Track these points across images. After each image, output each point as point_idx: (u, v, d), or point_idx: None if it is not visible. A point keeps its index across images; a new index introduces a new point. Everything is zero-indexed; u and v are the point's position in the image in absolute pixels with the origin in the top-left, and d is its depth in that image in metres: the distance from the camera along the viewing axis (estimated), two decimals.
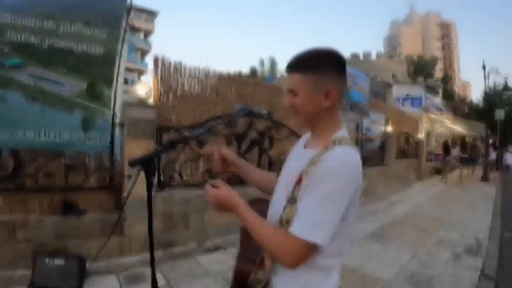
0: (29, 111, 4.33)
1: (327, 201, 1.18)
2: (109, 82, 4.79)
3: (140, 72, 41.15)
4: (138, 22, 41.36)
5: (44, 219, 4.22)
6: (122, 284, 4.00)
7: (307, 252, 1.21)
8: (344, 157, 1.25)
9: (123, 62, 4.98)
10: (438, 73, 73.23)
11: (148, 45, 46.48)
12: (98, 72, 4.73)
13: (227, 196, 1.36)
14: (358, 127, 10.45)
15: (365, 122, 10.93)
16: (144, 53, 45.58)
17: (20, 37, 4.27)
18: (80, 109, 4.59)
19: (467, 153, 18.17)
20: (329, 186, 1.19)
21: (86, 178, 4.67)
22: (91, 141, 4.62)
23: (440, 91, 29.68)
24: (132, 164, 1.24)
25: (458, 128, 25.31)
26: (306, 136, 1.56)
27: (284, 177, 1.46)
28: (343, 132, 1.38)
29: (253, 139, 6.41)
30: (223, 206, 1.37)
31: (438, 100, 28.34)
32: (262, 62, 48.09)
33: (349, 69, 10.06)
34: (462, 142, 22.85)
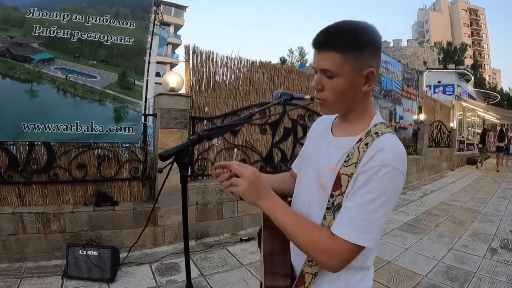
0: (60, 104, 4.35)
1: (380, 201, 1.04)
2: (140, 72, 4.76)
3: (172, 66, 41.21)
4: (168, 16, 41.61)
5: (77, 210, 4.24)
6: (155, 274, 3.99)
7: (355, 256, 1.08)
8: (395, 148, 1.08)
9: (154, 52, 4.95)
10: (468, 60, 70.96)
11: (178, 38, 46.69)
12: (128, 63, 4.71)
13: (259, 178, 1.15)
14: (391, 115, 10.19)
15: (398, 110, 10.63)
16: (174, 46, 45.93)
17: (49, 31, 4.29)
18: (111, 100, 4.58)
19: (504, 141, 17.42)
20: (382, 183, 1.04)
21: (119, 169, 4.67)
22: (123, 132, 4.62)
23: (472, 78, 28.74)
24: (163, 157, 1.06)
25: (491, 116, 24.46)
26: (327, 119, 1.40)
27: (309, 170, 1.30)
28: (378, 117, 1.23)
29: (286, 127, 6.34)
30: (253, 192, 1.14)
31: (470, 87, 27.41)
32: (291, 52, 47.81)
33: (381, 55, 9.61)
34: (500, 130, 22.04)
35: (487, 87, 49.45)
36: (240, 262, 4.39)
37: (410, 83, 11.46)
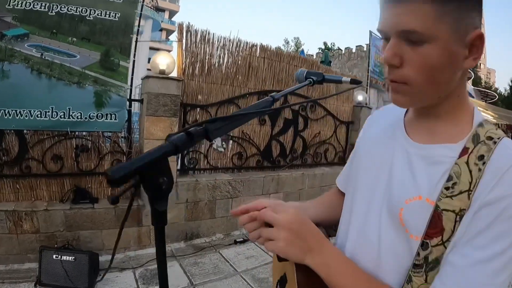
0: (34, 86, 3.83)
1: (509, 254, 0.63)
2: (125, 52, 4.24)
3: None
4: (162, 2, 40.85)
5: (52, 208, 3.78)
6: (138, 282, 3.53)
7: None
8: None
9: (147, 36, 4.42)
10: None
11: (173, 25, 45.79)
12: (113, 41, 4.18)
13: (303, 223, 0.81)
14: None
15: None
16: (169, 33, 45.15)
17: (25, 4, 3.76)
18: (92, 83, 4.05)
19: None
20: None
21: (99, 161, 4.16)
22: (104, 120, 4.10)
23: (473, 76, 28.71)
24: (113, 180, 0.53)
25: (489, 115, 24.22)
26: (390, 112, 0.97)
27: (372, 195, 0.87)
28: (478, 111, 0.80)
29: (287, 118, 5.87)
30: (297, 246, 0.77)
31: (469, 85, 27.13)
32: (286, 42, 47.41)
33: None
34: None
35: (483, 86, 49.82)
36: (235, 268, 3.92)
37: None
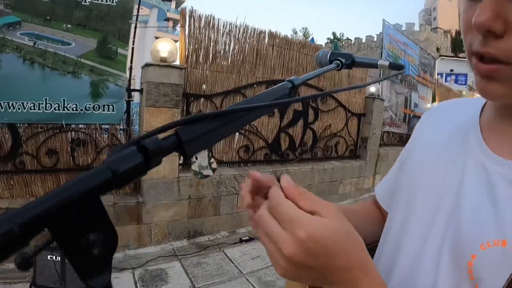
0: (27, 77, 3.61)
1: None
2: (124, 39, 3.99)
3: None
4: None
5: None
6: (138, 284, 3.32)
7: None
8: None
9: (152, 24, 4.17)
10: None
11: (179, 14, 45.56)
12: (110, 27, 3.93)
13: (333, 256, 0.44)
14: (406, 102, 9.36)
15: (414, 97, 9.80)
16: (176, 23, 44.92)
17: None
18: (88, 72, 3.81)
19: None
20: None
21: (97, 155, 3.95)
22: (101, 111, 3.88)
23: None
24: None
25: None
26: (453, 110, 0.74)
27: (429, 226, 0.61)
28: None
29: (297, 110, 5.59)
30: (306, 278, 0.47)
31: None
32: (295, 32, 47.12)
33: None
34: None
35: None
36: (240, 270, 3.69)
37: (426, 69, 10.68)
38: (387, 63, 0.79)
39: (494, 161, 0.55)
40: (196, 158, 0.42)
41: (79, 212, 0.33)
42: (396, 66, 0.79)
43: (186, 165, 4.44)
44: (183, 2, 46.65)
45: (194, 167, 0.43)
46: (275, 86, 0.54)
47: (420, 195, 0.65)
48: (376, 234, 0.81)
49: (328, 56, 0.78)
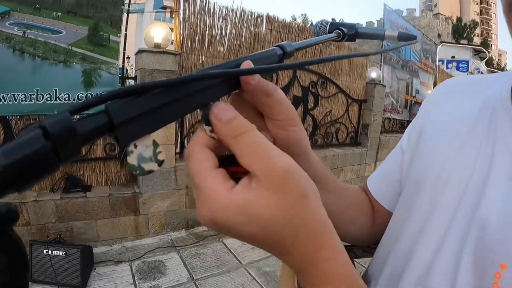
0: (17, 68, 3.48)
1: None
2: (116, 25, 3.86)
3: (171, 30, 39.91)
4: None
5: (42, 198, 3.49)
6: (135, 276, 3.26)
7: None
8: None
9: (148, 8, 4.10)
10: (476, 38, 70.67)
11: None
12: (102, 13, 3.79)
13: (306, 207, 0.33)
14: (408, 88, 9.23)
15: (415, 83, 9.66)
16: (173, 11, 44.75)
17: None
18: (80, 60, 3.69)
19: None
20: None
21: (91, 146, 3.85)
22: None
23: (487, 56, 28.28)
24: None
25: None
26: (475, 84, 0.63)
27: (443, 226, 0.51)
28: None
29: (296, 96, 5.46)
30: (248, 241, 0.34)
31: (483, 66, 26.39)
32: (294, 19, 46.81)
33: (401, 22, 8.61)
34: None
35: (495, 67, 49.05)
36: (239, 260, 3.63)
37: (428, 55, 10.54)
38: (396, 33, 0.70)
39: None
40: (135, 147, 0.31)
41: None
42: (407, 37, 0.69)
43: (183, 154, 4.35)
44: None
45: (131, 159, 0.32)
46: (260, 51, 0.42)
47: (445, 192, 0.54)
48: (364, 228, 0.71)
49: (327, 27, 0.69)
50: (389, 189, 0.72)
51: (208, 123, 0.34)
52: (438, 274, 0.49)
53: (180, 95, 0.33)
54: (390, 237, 0.65)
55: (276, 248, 0.34)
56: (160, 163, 0.33)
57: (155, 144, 0.32)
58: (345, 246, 0.75)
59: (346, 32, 0.66)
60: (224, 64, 0.37)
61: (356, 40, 0.71)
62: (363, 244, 0.78)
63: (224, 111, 0.33)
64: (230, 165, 0.34)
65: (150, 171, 0.33)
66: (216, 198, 0.31)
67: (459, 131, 0.56)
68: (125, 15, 3.88)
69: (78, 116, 0.28)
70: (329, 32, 0.67)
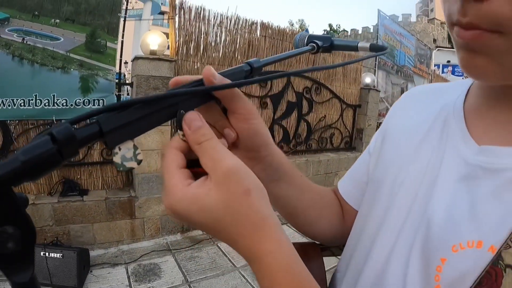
0: (16, 74, 3.56)
1: None
2: (113, 32, 3.94)
3: (167, 37, 39.95)
4: None
5: (39, 202, 3.55)
6: (131, 279, 3.32)
7: None
8: None
9: (146, 14, 4.14)
10: None
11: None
12: (99, 21, 3.87)
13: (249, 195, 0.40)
14: (402, 93, 9.26)
15: (410, 88, 9.70)
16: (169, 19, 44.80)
17: None
18: (77, 67, 3.76)
19: None
20: None
21: (88, 151, 3.91)
22: (92, 106, 3.82)
23: None
24: None
25: None
26: (434, 92, 0.67)
27: (399, 223, 0.55)
28: None
29: (290, 101, 5.53)
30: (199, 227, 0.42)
31: None
32: (291, 24, 46.87)
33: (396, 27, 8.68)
34: None
35: None
36: (233, 263, 3.69)
37: (423, 60, 10.63)
38: (367, 44, 0.73)
39: (477, 151, 0.49)
40: (120, 149, 0.40)
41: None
42: (377, 48, 0.73)
43: None
44: None
45: (116, 159, 0.41)
46: (229, 69, 0.50)
47: (400, 191, 0.58)
48: (333, 227, 0.76)
49: (305, 40, 0.73)
50: (357, 190, 0.76)
51: (181, 128, 0.43)
52: (392, 272, 0.53)
53: (155, 109, 0.41)
54: (353, 237, 0.70)
55: (224, 235, 0.41)
56: (139, 162, 0.43)
57: (135, 147, 0.42)
58: (321, 245, 0.82)
59: (320, 45, 0.71)
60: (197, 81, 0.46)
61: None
62: (337, 244, 0.82)
63: (193, 120, 0.42)
64: (196, 166, 0.43)
65: (131, 168, 0.43)
66: (174, 191, 0.40)
67: (417, 135, 0.60)
68: (122, 22, 3.95)
69: (76, 126, 0.37)
70: (307, 44, 0.72)
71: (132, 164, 0.41)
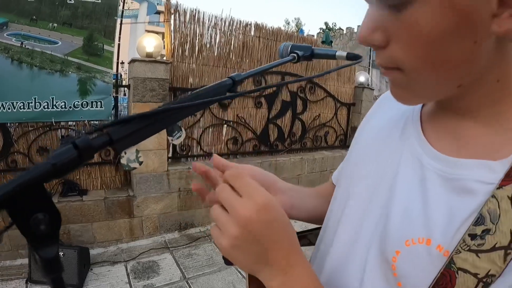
0: (15, 77, 3.63)
1: None
2: (110, 35, 4.01)
3: (163, 36, 39.84)
4: None
5: None
6: (130, 276, 3.41)
7: None
8: None
9: (142, 19, 4.19)
10: None
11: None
12: (96, 24, 3.95)
13: (274, 228, 0.50)
14: None
15: None
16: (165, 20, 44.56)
17: None
18: (75, 70, 3.84)
19: None
20: None
21: None
22: (90, 108, 3.90)
23: None
24: None
25: None
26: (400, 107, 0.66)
27: (361, 214, 0.61)
28: None
29: (285, 101, 5.61)
30: (247, 252, 0.49)
31: None
32: (287, 23, 46.71)
33: None
34: None
35: None
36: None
37: None
38: (344, 54, 0.81)
39: (431, 155, 0.53)
40: (125, 153, 0.50)
41: (28, 196, 0.40)
42: (353, 57, 0.81)
43: (175, 158, 4.50)
44: None
45: (123, 160, 0.50)
46: (214, 84, 0.58)
47: (360, 185, 0.64)
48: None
49: (289, 49, 0.80)
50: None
51: (170, 134, 0.55)
52: (353, 259, 0.59)
53: (152, 121, 0.52)
54: (322, 229, 0.77)
55: (267, 245, 0.50)
56: (140, 163, 0.54)
57: (137, 151, 0.54)
58: (299, 233, 0.90)
59: (300, 55, 0.78)
60: (185, 98, 0.56)
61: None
62: None
63: (224, 188, 0.52)
64: None
65: (135, 168, 0.55)
66: (267, 192, 0.52)
67: (380, 136, 0.66)
68: (118, 25, 4.03)
69: (93, 135, 0.48)
70: (290, 53, 0.79)
71: (135, 164, 0.52)
